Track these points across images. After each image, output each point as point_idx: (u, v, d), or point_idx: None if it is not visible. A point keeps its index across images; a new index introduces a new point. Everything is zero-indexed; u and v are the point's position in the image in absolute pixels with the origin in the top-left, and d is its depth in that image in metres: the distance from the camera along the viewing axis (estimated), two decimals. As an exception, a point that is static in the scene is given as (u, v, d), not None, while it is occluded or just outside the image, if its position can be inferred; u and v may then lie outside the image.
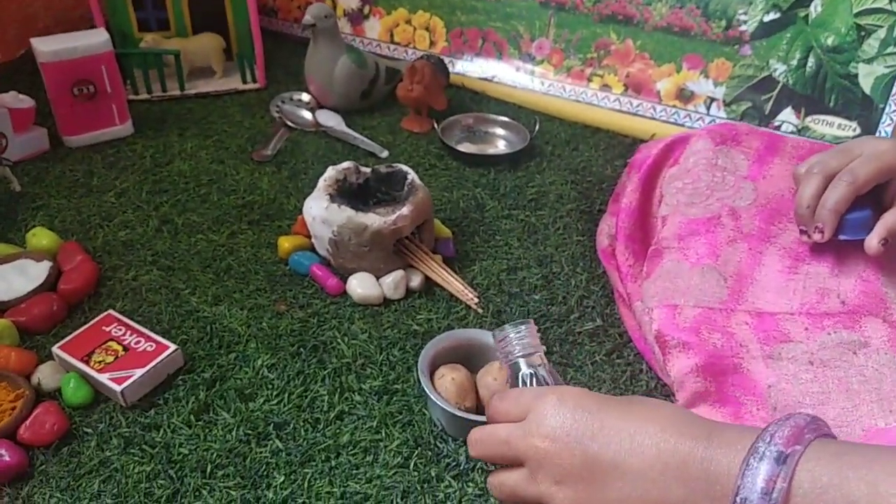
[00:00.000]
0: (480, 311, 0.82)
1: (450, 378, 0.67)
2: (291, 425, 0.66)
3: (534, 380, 0.52)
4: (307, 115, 1.20)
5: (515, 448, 0.44)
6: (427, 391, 0.65)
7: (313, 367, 0.73)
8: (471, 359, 0.71)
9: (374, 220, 0.80)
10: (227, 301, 0.81)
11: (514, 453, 0.44)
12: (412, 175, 0.87)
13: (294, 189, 1.02)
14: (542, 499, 0.42)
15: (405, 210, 0.82)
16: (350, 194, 0.86)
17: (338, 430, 0.66)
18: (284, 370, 0.72)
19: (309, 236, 0.88)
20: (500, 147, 1.17)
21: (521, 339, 0.53)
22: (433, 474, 0.63)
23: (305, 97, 1.24)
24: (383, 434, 0.66)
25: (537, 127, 1.15)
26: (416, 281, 0.84)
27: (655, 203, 0.82)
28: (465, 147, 1.13)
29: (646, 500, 0.38)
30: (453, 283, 0.84)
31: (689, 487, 0.37)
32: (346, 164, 0.88)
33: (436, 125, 1.15)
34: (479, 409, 0.67)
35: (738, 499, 0.35)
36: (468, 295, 0.83)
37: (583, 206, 1.02)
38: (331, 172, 0.87)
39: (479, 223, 0.97)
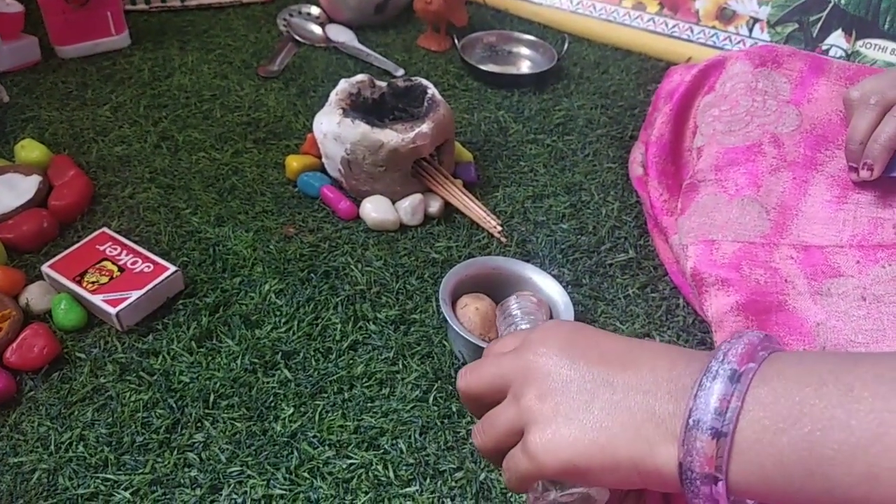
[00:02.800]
0: (504, 239, 0.76)
1: (473, 308, 0.62)
2: (301, 354, 0.61)
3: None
4: (317, 29, 1.12)
5: (505, 369, 0.41)
6: (449, 321, 0.59)
7: (325, 293, 0.67)
8: (496, 289, 0.66)
9: (390, 137, 0.73)
10: (231, 222, 0.75)
11: (502, 376, 0.41)
12: (432, 90, 0.80)
13: (303, 107, 0.94)
14: (522, 417, 0.39)
15: (425, 127, 0.75)
16: (364, 110, 0.78)
17: (351, 361, 0.61)
18: (293, 296, 0.66)
19: (319, 156, 0.81)
20: (525, 68, 1.09)
21: (523, 308, 0.49)
22: (454, 409, 0.58)
23: (315, 10, 1.16)
24: (400, 366, 0.61)
25: (566, 45, 1.07)
26: (434, 206, 0.78)
27: (688, 136, 0.75)
28: (486, 67, 1.05)
29: (632, 412, 0.36)
30: (475, 210, 0.78)
31: (679, 405, 0.35)
32: (360, 77, 0.81)
33: (456, 42, 1.06)
34: (505, 341, 0.61)
35: (690, 420, 0.33)
36: (491, 223, 0.77)
37: (613, 131, 0.95)
38: (343, 86, 0.79)
39: (503, 147, 0.90)
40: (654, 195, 0.74)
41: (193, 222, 0.74)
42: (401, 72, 1.04)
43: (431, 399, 0.58)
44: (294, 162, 0.81)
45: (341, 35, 1.11)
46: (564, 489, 0.44)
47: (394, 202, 0.77)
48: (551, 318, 0.62)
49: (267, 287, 0.67)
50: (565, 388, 0.38)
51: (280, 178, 0.82)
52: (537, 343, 0.41)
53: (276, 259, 0.70)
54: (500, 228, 0.77)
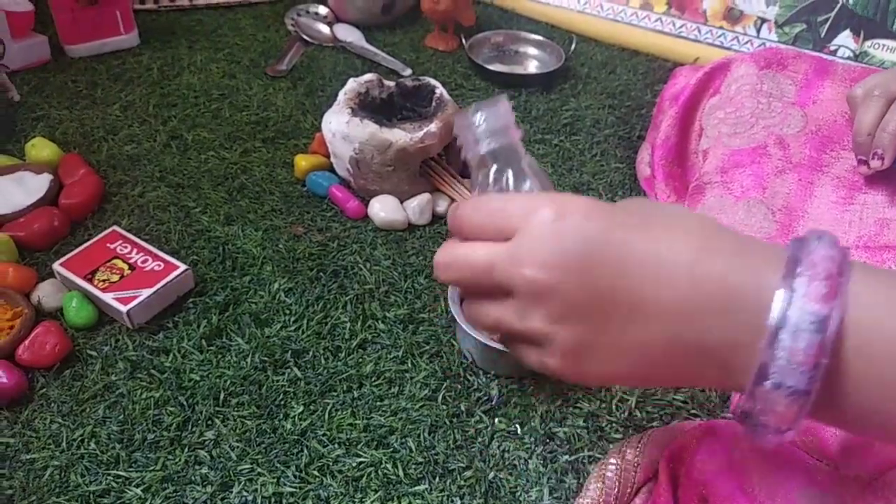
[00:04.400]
0: (512, 239, 0.76)
1: (482, 307, 0.62)
2: (311, 353, 0.61)
3: (509, 181, 0.38)
4: (324, 29, 1.12)
5: (500, 276, 0.33)
6: (458, 320, 0.60)
7: (334, 292, 0.67)
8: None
9: (399, 136, 0.73)
10: (241, 221, 0.75)
11: (498, 282, 0.33)
12: (441, 89, 0.80)
13: (311, 106, 0.95)
14: (536, 339, 0.33)
15: (433, 127, 0.75)
16: (373, 109, 0.79)
17: (360, 360, 0.61)
18: (303, 295, 0.67)
19: (327, 156, 0.82)
20: (532, 68, 1.09)
21: (489, 120, 0.38)
22: (462, 408, 0.58)
23: (323, 10, 1.16)
24: (409, 365, 0.61)
25: (573, 45, 1.07)
26: (442, 206, 0.78)
27: (694, 138, 0.75)
28: (494, 67, 1.05)
29: (674, 343, 0.30)
30: (483, 209, 0.78)
31: (730, 321, 0.30)
32: (368, 77, 0.81)
33: (463, 42, 1.07)
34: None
35: (766, 383, 0.28)
36: (499, 222, 0.77)
37: (621, 132, 0.95)
38: (352, 85, 0.80)
39: (510, 147, 0.90)
40: (661, 197, 0.75)
41: (203, 221, 0.75)
42: (408, 71, 1.04)
43: (440, 398, 0.58)
44: (303, 161, 0.81)
45: (349, 35, 1.11)
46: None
47: (402, 202, 0.77)
48: None
49: (276, 286, 0.67)
50: (582, 314, 0.32)
51: (289, 178, 0.82)
52: (539, 251, 0.32)
53: (285, 258, 0.71)
54: (507, 228, 0.77)
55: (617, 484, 0.48)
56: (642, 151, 0.87)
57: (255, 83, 0.98)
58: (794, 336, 0.28)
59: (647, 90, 1.04)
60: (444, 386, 0.59)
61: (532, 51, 1.10)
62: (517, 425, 0.57)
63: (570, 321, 0.32)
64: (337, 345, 0.62)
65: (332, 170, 0.81)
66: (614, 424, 0.58)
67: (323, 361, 0.61)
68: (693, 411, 0.60)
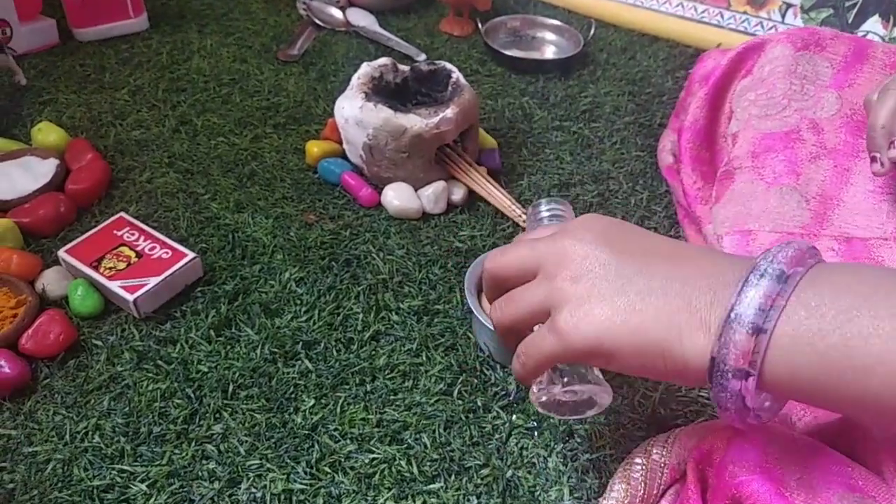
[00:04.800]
0: (529, 228, 0.74)
1: (500, 299, 0.59)
2: (322, 345, 0.59)
3: None
4: (337, 13, 1.09)
5: (540, 251, 0.41)
6: (475, 312, 0.57)
7: (346, 282, 0.65)
8: (522, 279, 0.63)
9: (414, 122, 0.71)
10: (251, 209, 0.73)
11: (536, 258, 0.41)
12: (457, 74, 0.78)
13: (323, 91, 0.92)
14: (552, 296, 0.39)
15: (449, 112, 0.72)
16: (387, 95, 0.76)
17: (373, 352, 0.59)
18: (314, 285, 0.65)
19: (340, 142, 0.79)
20: (549, 53, 1.06)
21: (553, 211, 0.49)
22: (479, 404, 0.56)
23: (335, -6, 1.13)
24: (424, 358, 0.59)
25: (593, 31, 1.04)
26: (458, 194, 0.76)
27: (724, 121, 0.72)
28: (510, 52, 1.03)
29: (668, 298, 0.36)
30: (499, 198, 0.76)
31: (718, 298, 0.35)
32: (382, 61, 0.78)
33: (479, 26, 1.04)
34: (532, 334, 0.59)
35: (732, 314, 0.33)
36: (516, 211, 0.75)
37: (641, 119, 0.92)
38: (365, 69, 0.77)
39: (527, 134, 0.88)
40: (688, 183, 0.72)
41: (212, 208, 0.73)
42: (423, 56, 1.02)
43: (456, 393, 0.56)
44: (314, 148, 0.79)
45: (362, 19, 1.08)
46: (572, 383, 0.42)
47: (416, 189, 0.75)
48: None
49: (287, 275, 0.65)
50: (602, 271, 0.38)
51: (300, 164, 0.80)
52: (576, 229, 0.40)
53: (296, 246, 0.69)
54: (524, 217, 0.74)
55: (643, 485, 0.46)
56: (664, 139, 0.84)
57: (266, 68, 0.96)
58: (758, 285, 0.33)
59: (667, 77, 1.01)
60: (459, 380, 0.57)
61: (549, 36, 1.08)
62: (535, 422, 0.55)
63: (586, 278, 0.38)
64: (349, 336, 0.60)
65: (344, 157, 0.79)
66: (637, 422, 0.55)
67: (335, 353, 0.59)
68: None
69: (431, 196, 0.74)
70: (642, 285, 0.37)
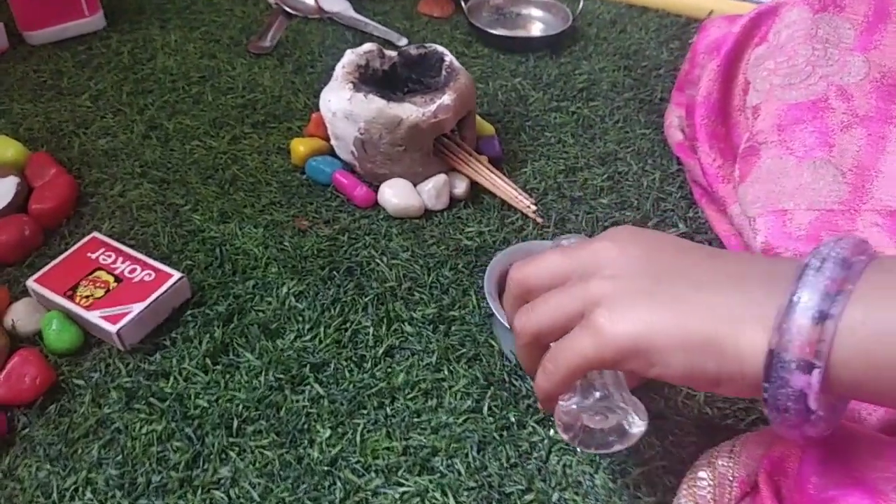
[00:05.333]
0: (540, 220, 0.68)
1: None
2: (332, 366, 0.54)
3: None
4: (308, 0, 1.02)
5: (573, 258, 0.38)
6: (498, 317, 0.52)
7: (351, 293, 0.60)
8: (543, 277, 0.58)
9: (409, 111, 0.65)
10: (237, 218, 0.67)
11: (570, 265, 0.38)
12: (450, 57, 0.72)
13: (302, 84, 0.86)
14: (588, 296, 0.35)
15: (446, 99, 0.67)
16: (375, 83, 0.70)
17: (389, 370, 0.54)
18: (316, 298, 0.59)
19: (327, 138, 0.73)
20: (536, 31, 1.00)
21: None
22: (512, 420, 0.51)
23: (305, -21, 1.06)
24: (446, 372, 0.54)
25: (581, 4, 0.98)
26: (460, 187, 0.70)
27: (738, 94, 0.67)
28: (497, 32, 0.97)
29: (718, 290, 0.33)
30: (505, 189, 0.70)
31: (774, 289, 0.32)
32: (367, 47, 0.72)
33: (463, 5, 0.98)
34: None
35: (793, 298, 0.31)
36: (524, 202, 0.69)
37: (641, 94, 0.87)
38: (350, 57, 0.71)
39: (525, 118, 0.82)
40: (706, 161, 0.67)
41: (195, 220, 0.66)
42: (404, 41, 0.96)
43: (486, 409, 0.51)
44: (300, 146, 0.73)
45: (335, 5, 1.02)
46: (607, 398, 0.38)
47: (415, 185, 0.69)
48: None
49: (285, 289, 0.59)
50: (641, 267, 0.36)
51: (286, 165, 0.74)
52: (608, 234, 0.38)
53: (291, 257, 0.63)
54: (534, 208, 0.69)
55: (711, 503, 0.41)
56: (669, 114, 0.79)
57: (238, 62, 0.89)
58: (821, 269, 0.31)
59: (662, 48, 0.96)
60: (488, 394, 0.52)
61: (535, 12, 1.02)
62: (576, 435, 0.50)
63: (629, 276, 0.35)
64: (361, 354, 0.55)
65: (333, 154, 0.73)
66: (684, 426, 0.51)
67: (347, 374, 0.53)
68: (768, 404, 0.53)
69: (432, 191, 0.68)
70: (688, 279, 0.34)
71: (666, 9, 1.05)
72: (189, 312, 0.57)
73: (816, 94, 0.60)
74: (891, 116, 0.58)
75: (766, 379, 0.31)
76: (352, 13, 1.00)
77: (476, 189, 0.71)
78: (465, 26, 0.99)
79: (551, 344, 0.38)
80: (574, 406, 0.38)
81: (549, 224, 0.68)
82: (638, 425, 0.39)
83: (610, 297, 0.35)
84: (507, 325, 0.52)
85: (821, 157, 0.57)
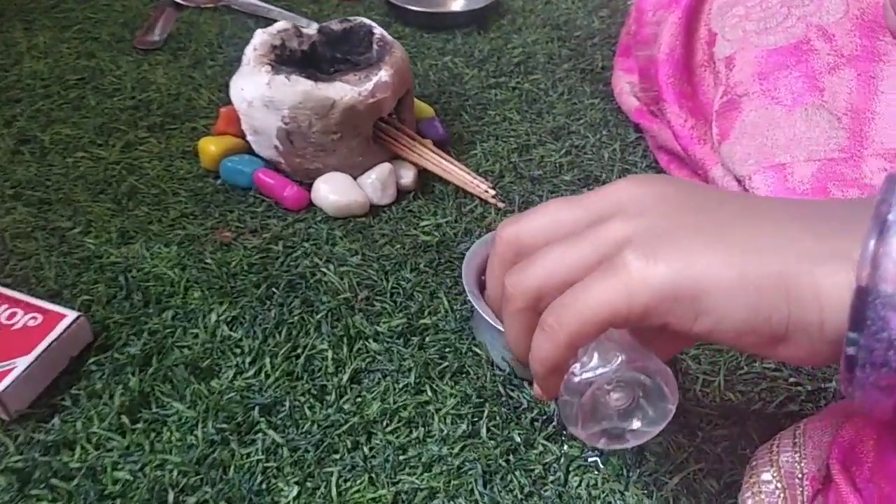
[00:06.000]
0: (501, 204, 0.60)
1: (511, 297, 0.46)
2: (286, 404, 0.43)
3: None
4: (199, -12, 0.90)
5: (583, 205, 0.30)
6: (485, 318, 0.43)
7: (297, 312, 0.49)
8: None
9: (343, 91, 0.55)
10: (142, 237, 0.55)
11: (582, 212, 0.29)
12: (379, 30, 0.62)
13: (202, 78, 0.74)
14: (607, 238, 0.27)
15: (384, 75, 0.57)
16: (294, 66, 0.60)
17: (359, 399, 0.44)
18: (254, 323, 0.48)
19: (242, 134, 0.62)
20: (457, 7, 0.92)
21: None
22: (517, 440, 0.42)
23: (191, -34, 0.94)
24: (428, 393, 0.44)
25: (504, -26, 0.91)
26: (407, 177, 0.61)
27: (700, 48, 0.61)
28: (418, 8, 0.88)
29: (780, 224, 0.26)
30: (457, 174, 0.62)
31: (850, 221, 0.25)
32: (281, 25, 0.62)
33: (376, -18, 0.89)
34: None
35: (890, 216, 0.23)
36: (480, 186, 0.61)
37: (581, 64, 0.81)
38: (262, 37, 0.60)
39: (463, 97, 0.74)
40: (677, 123, 0.61)
41: (87, 245, 0.54)
42: (314, 26, 0.85)
43: (484, 431, 0.42)
44: (211, 146, 0.61)
45: (231, -8, 0.90)
46: (634, 360, 0.29)
47: (355, 178, 0.59)
48: None
49: (214, 317, 0.48)
50: (680, 205, 0.28)
51: (195, 170, 0.62)
52: (627, 178, 0.30)
53: (217, 276, 0.51)
54: (492, 192, 0.61)
55: (785, 509, 0.34)
56: (618, 81, 0.73)
57: (124, 60, 0.76)
58: None
59: (592, 17, 0.91)
60: (484, 414, 0.43)
61: (455, -13, 0.94)
62: (595, 448, 0.42)
63: (663, 212, 0.28)
64: (321, 384, 0.44)
65: (252, 151, 0.62)
66: (710, 418, 0.44)
67: (307, 413, 0.43)
68: (793, 380, 0.47)
69: (376, 183, 0.59)
70: (738, 214, 0.27)
71: (588, -23, 0.99)
72: (93, 360, 0.45)
73: (796, 36, 0.54)
74: (878, 54, 0.53)
75: (855, 326, 0.24)
76: (251, 0, 0.89)
77: (425, 177, 0.62)
78: (382, 6, 0.90)
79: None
80: (589, 376, 0.29)
81: (512, 208, 0.60)
82: (670, 401, 0.30)
83: (641, 236, 0.27)
84: (496, 324, 0.43)
85: (812, 102, 0.52)
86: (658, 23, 0.64)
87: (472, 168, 0.63)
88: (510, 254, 0.31)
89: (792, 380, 0.47)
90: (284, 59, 0.60)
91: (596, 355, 0.29)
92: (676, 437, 0.43)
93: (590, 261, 0.27)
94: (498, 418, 0.43)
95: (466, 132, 0.69)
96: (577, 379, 0.28)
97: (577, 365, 0.29)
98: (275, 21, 0.85)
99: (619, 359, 0.28)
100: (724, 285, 0.25)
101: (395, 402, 0.43)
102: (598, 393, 0.29)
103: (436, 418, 0.43)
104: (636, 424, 0.30)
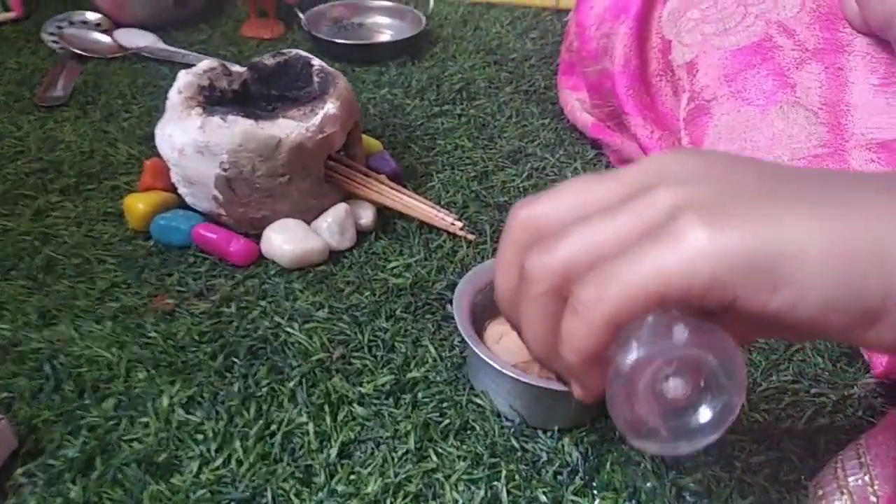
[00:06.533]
0: (471, 236, 0.56)
1: (513, 338, 0.41)
2: (267, 495, 0.36)
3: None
4: (103, 38, 0.83)
5: (618, 180, 0.25)
6: (487, 361, 0.38)
7: (265, 381, 0.42)
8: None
9: (288, 129, 0.50)
10: (67, 315, 0.47)
11: (608, 192, 0.25)
12: (318, 61, 0.57)
13: (118, 132, 0.67)
14: (655, 210, 0.23)
15: (330, 108, 0.52)
16: (225, 107, 0.54)
17: (354, 477, 0.37)
18: (216, 401, 0.41)
19: (172, 188, 0.55)
20: (386, 38, 0.88)
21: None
22: (544, 498, 0.36)
23: (93, 16, 0.86)
24: (434, 459, 0.38)
25: (431, 4, 0.88)
26: (366, 216, 0.55)
27: (654, 57, 0.60)
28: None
29: (863, 191, 0.23)
30: (419, 208, 0.57)
31: None
32: (207, 64, 0.56)
33: (302, 19, 0.84)
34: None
35: None
36: (445, 219, 0.56)
37: (523, 86, 0.78)
38: (187, 78, 0.54)
39: (409, 128, 0.70)
40: (643, 135, 0.58)
41: (2, 332, 0.45)
42: (237, 68, 0.79)
43: (505, 495, 0.36)
44: (139, 203, 0.54)
45: (138, 39, 0.83)
46: (701, 330, 0.22)
47: (309, 223, 0.53)
48: None
49: (165, 400, 0.41)
50: (739, 170, 0.24)
51: (120, 232, 0.55)
52: (674, 149, 0.30)
53: (163, 351, 0.44)
54: (459, 224, 0.56)
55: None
56: (567, 99, 0.71)
57: (24, 120, 0.68)
58: None
59: (523, 39, 0.89)
60: (501, 474, 0.37)
61: (382, 20, 0.90)
62: (632, 497, 0.37)
63: (714, 177, 0.24)
64: (305, 465, 0.38)
65: (185, 205, 0.55)
66: (744, 444, 0.40)
67: (295, 501, 0.36)
68: (815, 391, 0.44)
69: (333, 226, 0.53)
70: (808, 179, 0.24)
71: (512, 2, 0.98)
72: (21, 470, 0.37)
73: (758, 34, 0.53)
74: (841, 45, 0.52)
75: None
76: (161, 45, 0.82)
77: (385, 215, 0.57)
78: (305, 42, 0.85)
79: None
80: (646, 351, 0.22)
81: (484, 239, 0.55)
82: (737, 392, 0.23)
83: (699, 200, 0.22)
84: (500, 368, 0.38)
85: (785, 99, 0.50)
86: (607, 35, 0.62)
87: (433, 200, 0.59)
88: (526, 237, 0.25)
89: (814, 391, 0.44)
90: (214, 101, 0.54)
91: (647, 332, 0.23)
92: (713, 469, 0.38)
93: (631, 234, 0.23)
94: (517, 477, 0.37)
95: (419, 164, 0.64)
96: (633, 356, 0.23)
97: (633, 341, 0.23)
98: (193, 66, 0.79)
99: (685, 331, 0.23)
100: (812, 252, 0.21)
101: (396, 475, 0.37)
102: (656, 379, 0.23)
103: (447, 487, 0.37)
104: (699, 421, 0.24)
